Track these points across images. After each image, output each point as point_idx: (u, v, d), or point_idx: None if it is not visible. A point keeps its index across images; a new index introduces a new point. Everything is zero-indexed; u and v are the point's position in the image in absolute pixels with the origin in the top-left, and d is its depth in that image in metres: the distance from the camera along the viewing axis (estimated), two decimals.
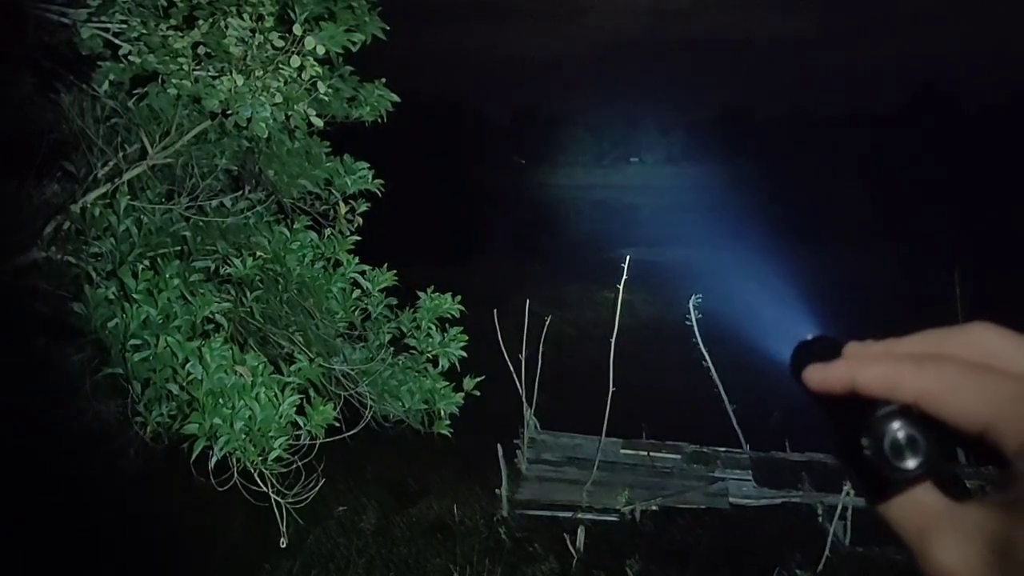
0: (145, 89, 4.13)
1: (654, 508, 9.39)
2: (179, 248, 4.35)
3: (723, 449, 10.59)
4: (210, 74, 4.00)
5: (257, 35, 3.89)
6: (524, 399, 10.12)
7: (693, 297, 10.67)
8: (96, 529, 6.91)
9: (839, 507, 8.37)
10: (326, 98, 4.19)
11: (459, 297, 4.81)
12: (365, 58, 4.39)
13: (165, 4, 3.91)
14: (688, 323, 10.66)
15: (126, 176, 4.35)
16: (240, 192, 4.86)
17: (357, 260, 4.54)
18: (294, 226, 4.53)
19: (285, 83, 3.97)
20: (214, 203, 4.67)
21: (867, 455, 0.41)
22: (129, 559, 7.24)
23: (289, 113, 4.07)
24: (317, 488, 4.00)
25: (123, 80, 4.12)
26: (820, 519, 9.09)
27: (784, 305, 14.47)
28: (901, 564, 7.53)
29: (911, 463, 0.40)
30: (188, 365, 3.52)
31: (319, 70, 4.03)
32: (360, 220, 4.75)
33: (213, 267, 4.36)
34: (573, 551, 8.21)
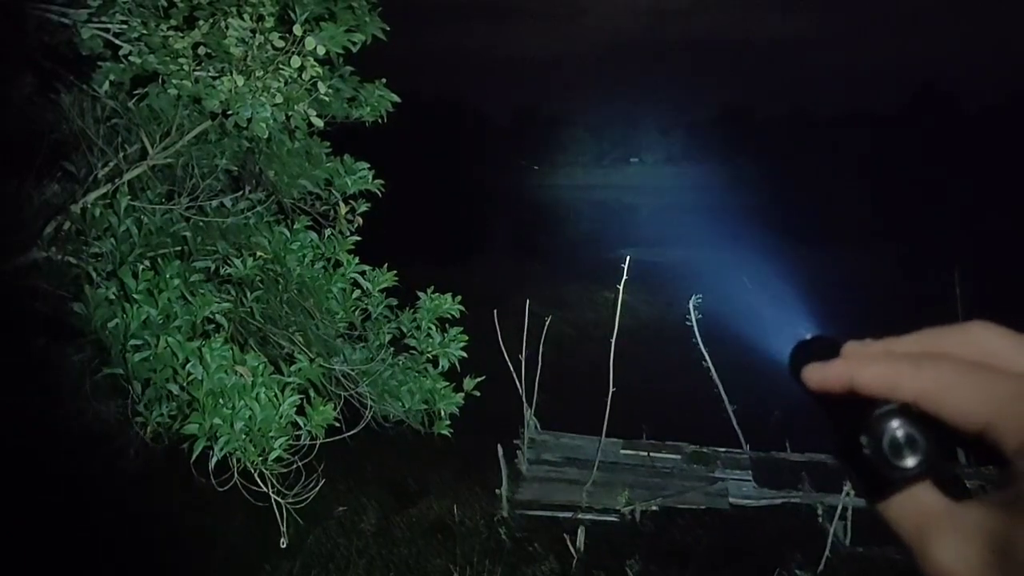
0: (145, 89, 4.14)
1: (654, 508, 9.39)
2: (179, 248, 4.35)
3: (723, 449, 10.59)
4: (210, 74, 4.00)
5: (257, 35, 3.89)
6: (524, 399, 10.12)
7: (693, 297, 10.68)
8: (96, 529, 6.91)
9: (839, 507, 8.37)
10: (326, 98, 4.19)
11: (459, 297, 4.81)
12: (365, 58, 4.39)
13: (165, 4, 3.91)
14: (688, 323, 10.67)
15: (126, 176, 4.35)
16: (240, 192, 4.86)
17: (357, 260, 4.54)
18: (294, 226, 4.53)
19: (285, 83, 3.97)
20: (214, 203, 4.67)
21: (866, 454, 0.41)
22: (129, 559, 7.24)
23: (289, 113, 4.07)
24: (317, 488, 4.00)
25: (123, 80, 4.12)
26: (820, 519, 9.09)
27: (784, 305, 14.47)
28: (901, 564, 7.53)
29: (910, 462, 0.40)
30: (188, 365, 3.52)
31: (319, 70, 4.03)
32: (360, 220, 4.75)
33: (213, 267, 4.36)
34: (573, 551, 8.21)
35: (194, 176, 4.57)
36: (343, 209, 4.73)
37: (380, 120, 4.71)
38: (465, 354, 4.74)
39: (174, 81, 3.95)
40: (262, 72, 3.92)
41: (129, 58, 3.99)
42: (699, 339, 10.64)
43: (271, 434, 3.53)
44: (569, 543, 8.24)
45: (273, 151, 4.70)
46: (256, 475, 3.61)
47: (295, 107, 4.05)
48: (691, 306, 10.65)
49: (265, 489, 3.68)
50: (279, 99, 3.96)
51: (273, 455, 3.54)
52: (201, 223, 4.57)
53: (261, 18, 3.87)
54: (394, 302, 4.74)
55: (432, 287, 4.79)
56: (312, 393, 3.95)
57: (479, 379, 4.75)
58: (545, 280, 21.15)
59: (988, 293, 12.09)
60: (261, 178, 4.90)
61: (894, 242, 29.35)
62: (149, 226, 4.24)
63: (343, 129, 4.78)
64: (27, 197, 4.39)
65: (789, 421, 9.88)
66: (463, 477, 9.96)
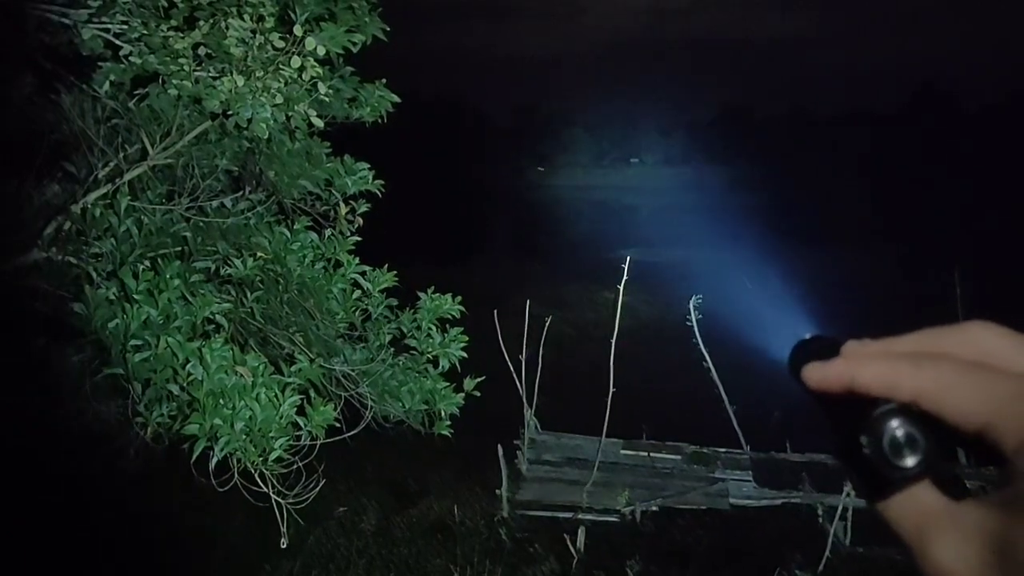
0: (146, 90, 4.14)
1: (654, 509, 9.39)
2: (180, 249, 4.35)
3: (723, 450, 10.59)
4: (211, 75, 4.00)
5: (258, 36, 3.89)
6: (524, 400, 10.13)
7: (693, 298, 10.68)
8: (97, 529, 6.91)
9: (840, 508, 8.37)
10: (326, 99, 4.19)
11: (459, 298, 4.81)
12: (365, 58, 4.39)
13: (166, 5, 3.91)
14: (688, 324, 10.67)
15: (127, 177, 4.35)
16: (241, 193, 4.86)
17: (357, 261, 4.54)
18: (294, 227, 4.53)
19: (286, 84, 3.97)
20: (215, 204, 4.67)
21: (866, 454, 0.41)
22: (130, 559, 7.24)
23: (290, 114, 4.07)
24: (317, 489, 4.00)
25: (124, 81, 4.12)
26: (820, 520, 9.09)
27: (784, 305, 14.47)
28: (902, 564, 7.53)
29: (910, 462, 0.40)
30: (189, 366, 3.52)
31: (319, 71, 4.03)
32: (360, 221, 4.75)
33: (214, 268, 4.36)
34: (573, 552, 8.21)
35: (194, 176, 4.57)
36: (343, 209, 4.73)
37: (380, 120, 4.71)
38: (465, 354, 4.74)
39: (174, 81, 3.95)
40: (262, 72, 3.92)
41: (129, 58, 3.99)
42: (699, 339, 10.64)
43: (271, 434, 3.53)
44: (569, 543, 8.25)
45: (273, 151, 4.70)
46: (256, 475, 3.61)
47: (295, 107, 4.05)
48: (691, 306, 10.65)
49: (265, 489, 3.69)
50: (279, 99, 3.96)
51: (273, 455, 3.54)
52: (201, 223, 4.57)
53: (261, 18, 3.87)
54: (394, 302, 4.74)
55: (432, 287, 4.80)
56: (312, 393, 3.95)
57: (479, 379, 4.75)
58: (545, 280, 21.15)
59: (988, 293, 12.09)
60: (261, 178, 4.90)
61: (894, 242, 29.34)
62: (149, 226, 4.24)
63: (343, 129, 4.78)
64: (27, 197, 4.39)
65: (789, 421, 9.88)
66: (463, 477, 9.96)
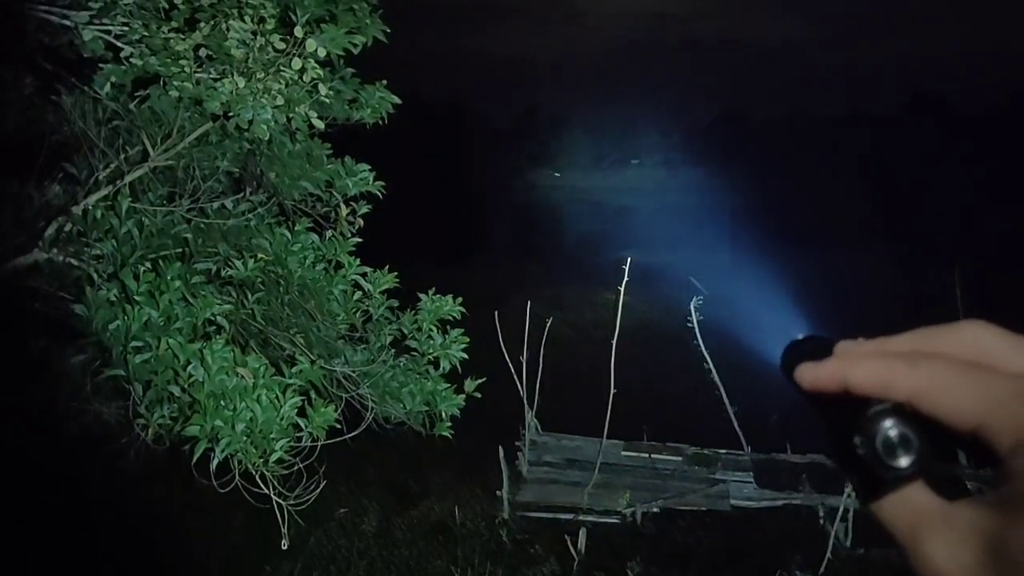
0: (147, 91, 4.14)
1: (655, 510, 9.38)
2: (180, 250, 4.35)
3: (724, 451, 10.59)
4: (211, 76, 4.01)
5: (258, 37, 3.90)
6: (525, 401, 10.13)
7: (694, 299, 10.68)
8: (98, 530, 6.91)
9: (840, 509, 8.36)
10: (327, 100, 4.19)
11: (460, 299, 4.81)
12: (366, 60, 4.40)
13: (167, 7, 3.92)
14: (689, 325, 10.67)
15: (128, 178, 4.36)
16: (241, 194, 4.87)
17: (358, 262, 4.54)
18: (295, 228, 4.53)
19: (286, 85, 3.98)
20: (215, 205, 4.68)
21: (860, 454, 0.41)
22: (131, 560, 7.24)
23: (290, 115, 4.08)
24: (318, 490, 4.00)
25: (125, 82, 4.13)
26: (821, 521, 9.09)
27: (785, 306, 14.46)
28: (903, 566, 7.52)
29: (904, 462, 0.40)
30: (189, 367, 3.52)
31: (320, 72, 4.04)
32: (361, 222, 4.76)
33: (214, 269, 4.37)
34: (574, 553, 8.21)
35: (195, 178, 4.58)
36: (344, 211, 4.73)
37: (381, 122, 4.72)
38: (466, 356, 4.74)
39: (175, 83, 3.95)
40: (263, 74, 3.93)
41: (130, 60, 3.99)
42: (700, 341, 10.64)
43: (272, 436, 3.53)
44: (570, 545, 8.24)
45: (274, 153, 4.70)
46: (257, 477, 3.61)
47: (296, 109, 4.05)
48: (692, 308, 10.65)
49: (266, 491, 3.69)
50: (280, 101, 3.97)
51: (274, 457, 3.54)
52: (202, 225, 4.58)
53: (262, 20, 3.88)
54: (395, 304, 4.74)
55: (433, 288, 4.80)
56: (313, 395, 3.95)
57: (480, 381, 4.75)
58: (545, 281, 21.15)
59: (988, 293, 12.09)
60: (262, 180, 4.91)
61: (894, 242, 29.31)
62: (150, 228, 4.25)
63: (344, 131, 4.78)
64: (28, 198, 4.40)
65: (790, 423, 9.88)
66: (464, 479, 9.96)
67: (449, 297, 4.77)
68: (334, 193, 4.85)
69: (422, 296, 4.75)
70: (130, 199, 4.21)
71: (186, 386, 3.52)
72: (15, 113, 4.60)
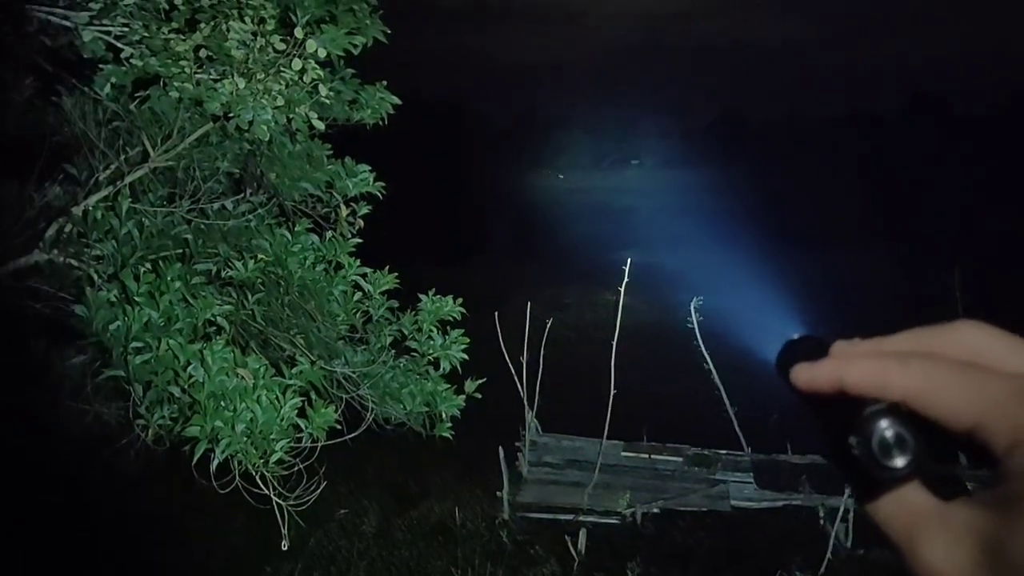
0: (147, 92, 4.14)
1: (655, 511, 9.38)
2: (181, 251, 4.36)
3: (724, 452, 10.59)
4: (212, 77, 4.01)
5: (259, 38, 3.90)
6: (525, 402, 10.13)
7: (694, 299, 10.68)
8: (98, 531, 6.91)
9: (840, 509, 8.36)
10: (327, 101, 4.19)
11: (460, 300, 4.81)
12: (366, 61, 4.40)
13: (167, 7, 3.92)
14: (689, 325, 10.67)
15: (128, 179, 4.36)
16: (241, 195, 4.87)
17: (358, 263, 4.55)
18: (295, 229, 4.53)
19: (286, 86, 3.98)
20: (215, 206, 4.68)
21: (855, 454, 0.40)
22: (131, 561, 7.25)
23: (290, 116, 4.08)
24: (318, 491, 4.00)
25: (125, 83, 4.13)
26: (822, 522, 9.08)
27: (785, 306, 14.46)
28: (902, 567, 7.52)
29: (899, 462, 0.40)
30: (190, 368, 3.53)
31: (320, 73, 4.04)
32: (361, 223, 4.76)
33: (215, 270, 4.37)
34: (574, 554, 8.21)
35: (195, 179, 4.58)
36: (344, 211, 4.74)
37: (381, 122, 4.72)
38: (466, 356, 4.74)
39: (175, 84, 3.96)
40: (263, 75, 3.93)
41: (130, 61, 3.99)
42: (700, 341, 10.64)
43: (272, 436, 3.53)
44: (570, 545, 8.25)
45: (274, 154, 4.71)
46: (257, 477, 3.62)
47: (296, 110, 4.05)
48: (692, 308, 10.65)
49: (266, 491, 3.69)
50: (280, 102, 3.97)
51: (274, 457, 3.54)
52: (202, 226, 4.58)
53: (262, 21, 3.88)
54: (395, 304, 4.74)
55: (433, 289, 4.80)
56: (313, 395, 3.95)
57: (480, 381, 4.75)
58: (545, 282, 21.15)
59: (988, 293, 12.08)
60: (262, 181, 4.91)
61: (894, 242, 29.29)
62: (150, 229, 4.25)
63: (344, 131, 4.79)
64: (29, 199, 4.40)
65: (790, 423, 9.87)
66: (464, 479, 9.96)
67: (449, 298, 4.77)
68: (334, 194, 4.85)
69: (422, 297, 4.75)
70: (130, 200, 4.21)
71: (186, 387, 3.53)
72: (15, 114, 4.60)
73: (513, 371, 9.78)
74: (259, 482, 3.64)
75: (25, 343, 4.35)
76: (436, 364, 4.74)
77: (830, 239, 30.33)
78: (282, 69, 3.96)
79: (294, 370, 3.91)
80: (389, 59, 4.72)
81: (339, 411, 4.13)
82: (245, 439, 3.49)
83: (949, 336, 0.44)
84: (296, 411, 3.65)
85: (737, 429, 10.53)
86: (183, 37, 3.89)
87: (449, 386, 4.71)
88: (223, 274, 4.36)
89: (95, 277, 4.00)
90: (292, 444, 3.63)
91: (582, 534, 8.42)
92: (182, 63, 3.91)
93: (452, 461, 9.79)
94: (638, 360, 12.54)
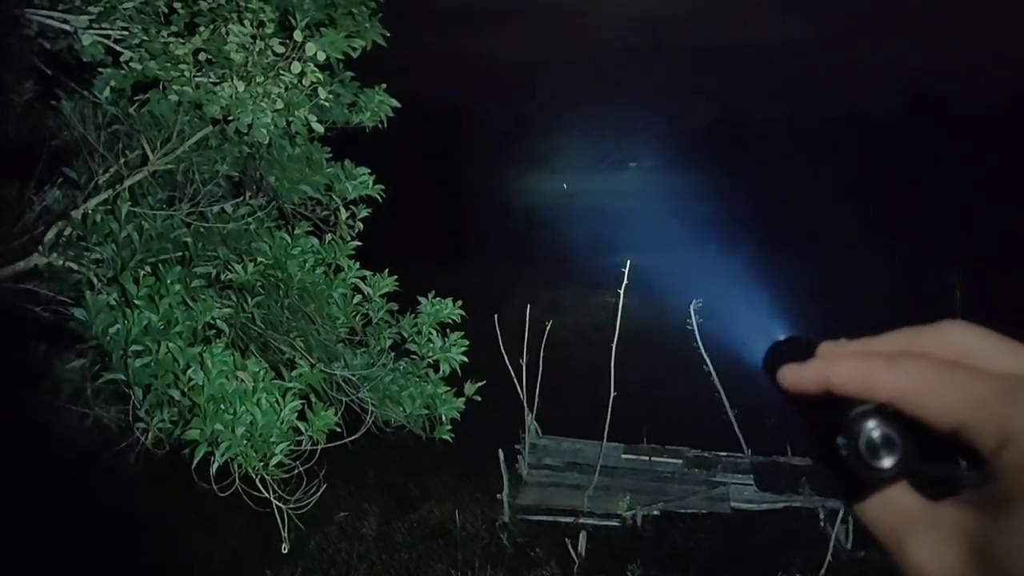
0: (146, 95, 4.15)
1: (655, 513, 9.38)
2: (180, 254, 4.36)
3: (724, 453, 10.58)
4: (211, 80, 4.02)
5: (258, 41, 3.91)
6: (525, 404, 10.13)
7: (694, 302, 10.68)
8: (98, 534, 6.91)
9: (841, 511, 8.36)
10: (327, 104, 4.20)
11: (460, 302, 4.81)
12: (365, 63, 4.41)
13: (166, 11, 3.93)
14: (689, 327, 10.67)
15: (127, 182, 4.37)
16: (241, 198, 4.88)
17: (358, 265, 4.55)
18: (295, 232, 4.54)
19: (286, 89, 3.99)
20: (215, 209, 4.69)
21: (843, 455, 0.40)
22: (131, 564, 7.24)
23: (290, 119, 4.08)
24: (318, 494, 4.00)
25: (124, 87, 4.14)
26: (822, 523, 9.08)
27: (785, 308, 14.46)
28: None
29: (887, 462, 0.40)
30: (189, 371, 3.53)
31: (320, 76, 4.04)
32: (361, 225, 4.76)
33: (214, 273, 4.37)
34: (575, 556, 8.21)
35: (195, 182, 4.59)
36: (344, 214, 4.74)
37: (380, 125, 4.72)
38: (466, 359, 4.74)
39: (175, 87, 3.96)
40: (263, 78, 3.94)
41: (130, 64, 4.00)
42: (700, 343, 10.64)
43: (272, 439, 3.54)
44: (570, 548, 8.24)
45: (274, 157, 4.71)
46: (257, 480, 3.62)
47: (296, 113, 4.06)
48: (692, 310, 10.65)
49: (266, 494, 3.69)
50: (280, 105, 3.98)
51: (274, 460, 3.54)
52: (202, 229, 4.58)
53: (262, 24, 3.89)
54: (395, 307, 4.74)
55: (432, 292, 4.81)
56: (313, 398, 3.95)
57: (480, 384, 4.75)
58: (544, 284, 21.16)
59: (988, 293, 12.08)
60: (262, 184, 4.92)
61: (894, 243, 29.30)
62: (150, 232, 4.26)
63: (343, 134, 4.79)
64: (28, 203, 4.41)
65: (790, 425, 9.85)
66: (464, 482, 9.95)
67: (449, 300, 4.78)
68: (334, 197, 4.86)
69: (422, 299, 4.75)
70: (130, 203, 4.22)
71: (186, 390, 3.53)
72: (15, 118, 4.61)
73: (513, 373, 9.78)
74: (259, 485, 3.65)
75: (25, 346, 4.36)
76: (436, 366, 4.74)
77: (830, 239, 30.33)
78: (281, 72, 3.97)
79: (294, 373, 3.91)
80: (388, 62, 4.72)
81: (339, 414, 4.14)
82: (245, 442, 3.49)
83: (936, 336, 0.44)
84: (296, 414, 3.65)
85: (737, 431, 10.52)
86: (182, 40, 3.90)
87: (449, 388, 4.72)
88: (223, 277, 4.36)
89: (95, 280, 4.01)
90: (292, 447, 3.64)
91: (582, 536, 8.42)
92: (181, 66, 3.92)
93: (452, 464, 9.78)
94: (638, 362, 12.54)
